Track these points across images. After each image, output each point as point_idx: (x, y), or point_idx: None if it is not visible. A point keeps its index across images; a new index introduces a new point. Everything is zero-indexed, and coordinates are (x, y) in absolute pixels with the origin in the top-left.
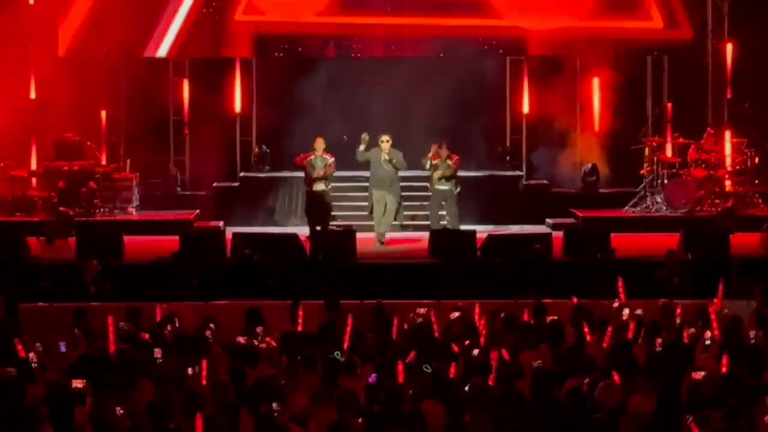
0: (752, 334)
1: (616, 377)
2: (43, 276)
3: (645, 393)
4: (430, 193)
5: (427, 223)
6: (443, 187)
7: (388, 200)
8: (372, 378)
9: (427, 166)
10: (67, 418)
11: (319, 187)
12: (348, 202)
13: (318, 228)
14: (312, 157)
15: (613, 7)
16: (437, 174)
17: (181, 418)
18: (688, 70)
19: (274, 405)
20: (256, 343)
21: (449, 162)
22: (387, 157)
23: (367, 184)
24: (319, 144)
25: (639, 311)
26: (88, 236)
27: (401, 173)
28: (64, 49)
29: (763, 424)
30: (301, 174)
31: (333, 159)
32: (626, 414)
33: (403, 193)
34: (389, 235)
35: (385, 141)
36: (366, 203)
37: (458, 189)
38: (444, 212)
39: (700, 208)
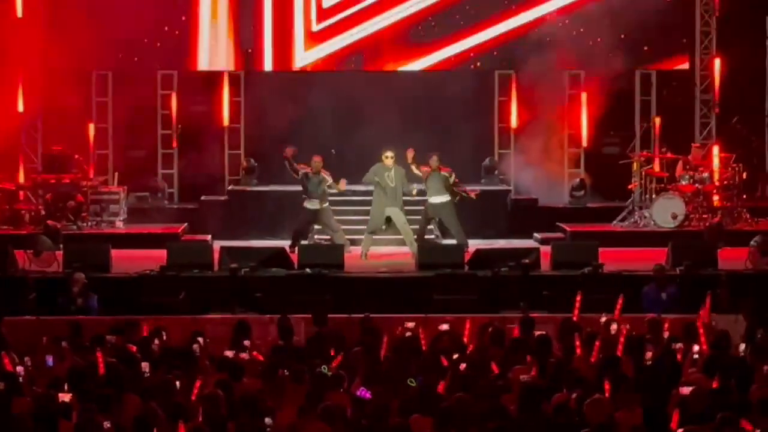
0: (741, 347)
1: (606, 391)
2: (31, 289)
3: (632, 408)
4: (423, 207)
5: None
6: (438, 200)
7: (393, 214)
8: (360, 392)
9: (416, 190)
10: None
11: (313, 205)
12: (339, 216)
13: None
14: (309, 171)
15: None
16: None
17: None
18: (677, 85)
19: (267, 420)
20: (245, 357)
21: (445, 174)
22: (391, 182)
23: (357, 198)
24: (317, 161)
25: (625, 326)
26: (76, 249)
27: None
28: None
29: None
30: (289, 188)
31: (330, 179)
32: (618, 429)
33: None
34: (375, 249)
35: (390, 157)
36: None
37: (457, 198)
38: (431, 227)
39: (688, 222)
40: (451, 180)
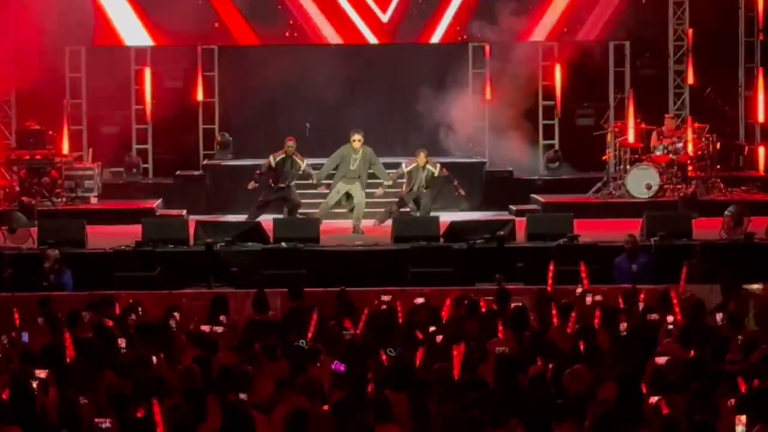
0: (718, 317)
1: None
2: (6, 265)
3: (608, 378)
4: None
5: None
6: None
7: (354, 192)
8: (336, 365)
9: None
10: (31, 408)
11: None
12: (314, 190)
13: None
14: (282, 156)
15: None
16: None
17: (145, 406)
18: (650, 56)
19: (241, 395)
20: (220, 331)
21: (431, 169)
22: (354, 165)
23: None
24: (290, 144)
25: (599, 297)
26: (51, 226)
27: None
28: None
29: (726, 408)
30: (264, 162)
31: (303, 164)
32: (592, 402)
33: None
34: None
35: (357, 141)
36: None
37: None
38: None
39: (663, 193)
40: (437, 173)
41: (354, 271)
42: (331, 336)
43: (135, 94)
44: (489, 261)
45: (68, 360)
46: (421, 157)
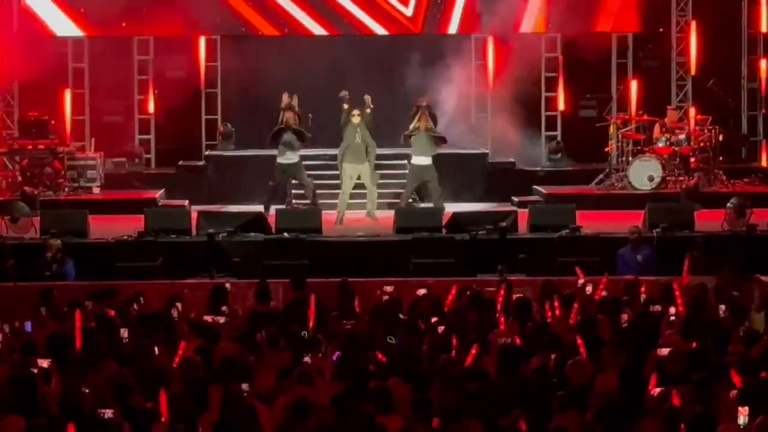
0: (722, 308)
1: (583, 353)
2: (8, 255)
3: (611, 370)
4: (408, 171)
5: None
6: (422, 162)
7: (362, 174)
8: (336, 356)
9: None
10: (33, 398)
11: (290, 159)
12: (316, 181)
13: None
14: (280, 126)
15: None
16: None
17: (147, 396)
18: (653, 47)
19: (244, 386)
20: (222, 322)
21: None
22: (358, 138)
23: (333, 162)
24: (285, 97)
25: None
26: (53, 215)
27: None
28: None
29: (727, 399)
30: (267, 152)
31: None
32: (594, 393)
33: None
34: (351, 213)
35: (356, 115)
36: (338, 180)
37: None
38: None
39: (665, 185)
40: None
41: (356, 262)
42: (331, 327)
43: (138, 84)
44: (491, 252)
45: (76, 350)
46: (424, 119)
